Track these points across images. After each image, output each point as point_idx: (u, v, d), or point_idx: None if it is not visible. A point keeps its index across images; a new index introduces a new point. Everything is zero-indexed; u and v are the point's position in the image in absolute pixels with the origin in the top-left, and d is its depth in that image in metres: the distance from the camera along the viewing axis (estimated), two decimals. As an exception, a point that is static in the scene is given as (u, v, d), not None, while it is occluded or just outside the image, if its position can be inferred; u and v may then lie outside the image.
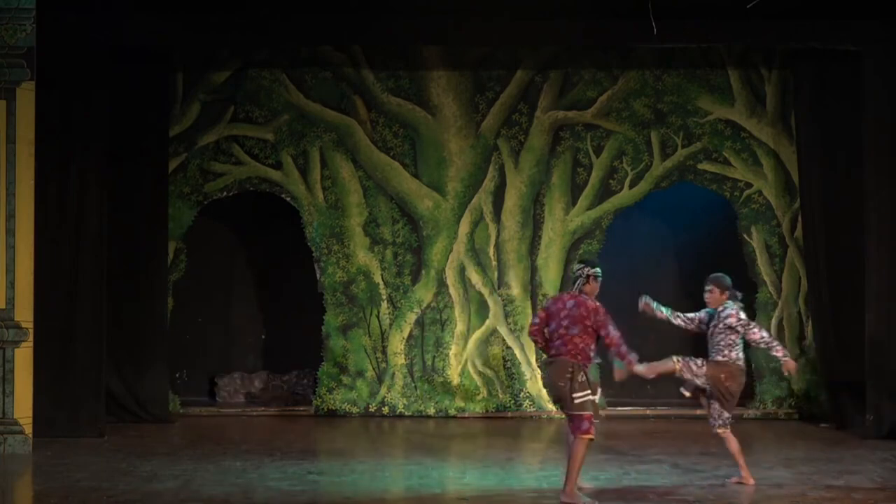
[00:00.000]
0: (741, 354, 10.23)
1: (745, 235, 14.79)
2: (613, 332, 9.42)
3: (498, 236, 14.86)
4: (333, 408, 14.69)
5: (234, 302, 15.89)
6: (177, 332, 14.80)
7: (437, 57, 14.77)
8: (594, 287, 9.60)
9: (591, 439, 9.33)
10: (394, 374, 14.70)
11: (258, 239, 15.75)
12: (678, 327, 10.37)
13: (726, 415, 10.24)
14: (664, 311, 10.39)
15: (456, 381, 14.69)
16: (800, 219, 14.44)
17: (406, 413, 14.62)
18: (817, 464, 11.21)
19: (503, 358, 14.75)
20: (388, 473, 10.77)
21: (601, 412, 10.30)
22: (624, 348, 9.46)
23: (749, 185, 14.76)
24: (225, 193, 14.96)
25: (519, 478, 10.55)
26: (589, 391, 9.34)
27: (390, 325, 14.77)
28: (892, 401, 12.83)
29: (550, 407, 14.63)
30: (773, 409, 14.61)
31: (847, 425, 13.41)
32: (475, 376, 14.71)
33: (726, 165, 14.77)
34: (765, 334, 10.25)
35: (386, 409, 14.64)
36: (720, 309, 10.24)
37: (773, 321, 14.72)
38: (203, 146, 14.82)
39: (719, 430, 10.22)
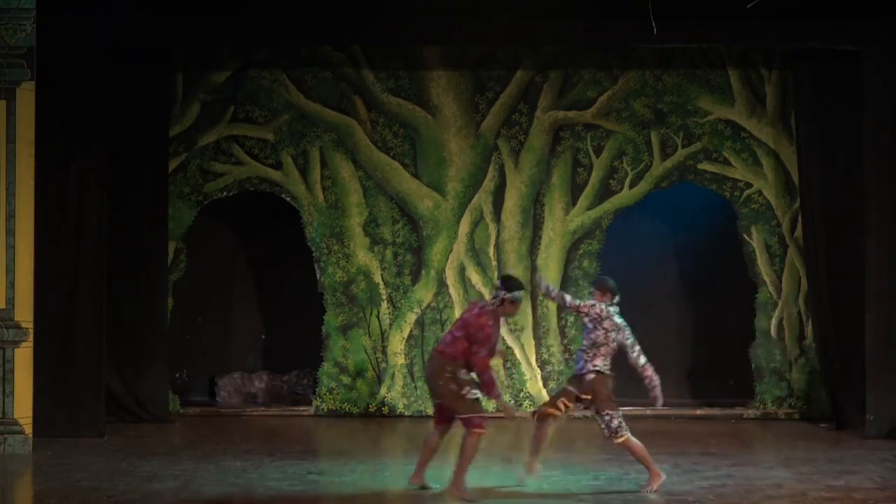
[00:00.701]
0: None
1: (745, 235, 14.79)
2: (484, 356, 9.41)
3: (498, 236, 14.86)
4: (333, 408, 14.69)
5: (234, 302, 15.88)
6: (177, 332, 14.80)
7: (437, 57, 14.77)
8: (509, 310, 9.65)
9: (482, 434, 9.48)
10: (394, 374, 14.70)
11: (258, 239, 15.75)
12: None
13: (616, 421, 9.91)
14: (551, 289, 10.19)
15: (456, 381, 14.67)
16: (800, 219, 14.44)
17: (406, 413, 14.62)
18: (817, 464, 11.21)
19: (503, 358, 14.74)
20: (388, 473, 10.76)
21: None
22: (487, 376, 9.43)
23: (749, 185, 14.76)
24: (225, 193, 14.96)
25: (519, 478, 10.54)
26: (477, 390, 9.47)
27: (390, 325, 14.77)
28: (893, 401, 12.83)
29: (550, 407, 14.62)
30: (773, 409, 14.61)
31: (847, 425, 13.41)
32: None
33: (726, 165, 14.78)
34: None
35: (386, 409, 14.64)
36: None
37: (773, 321, 14.72)
38: (203, 146, 14.83)
39: (620, 440, 9.90)
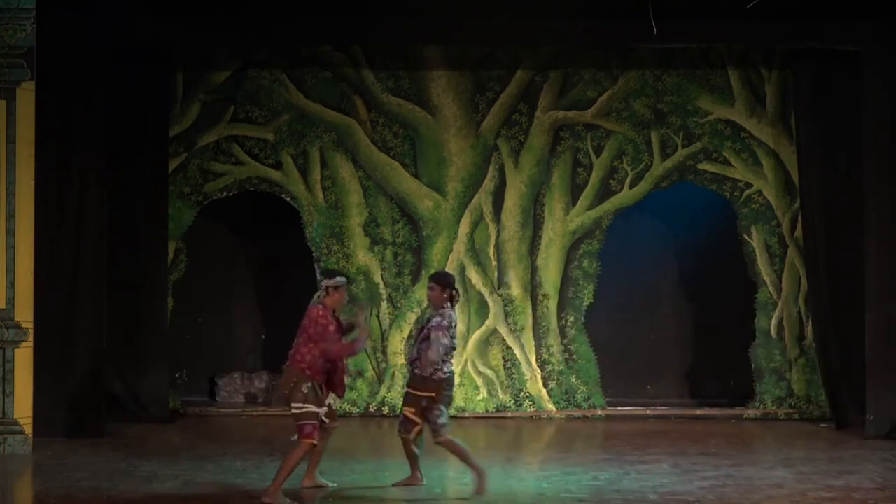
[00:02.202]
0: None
1: (745, 235, 14.79)
2: (326, 348, 9.53)
3: (498, 236, 14.86)
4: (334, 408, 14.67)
5: (234, 302, 15.87)
6: (177, 332, 14.79)
7: (437, 57, 14.77)
8: (336, 298, 9.71)
9: (313, 444, 9.64)
10: (394, 374, 14.69)
11: (258, 239, 15.74)
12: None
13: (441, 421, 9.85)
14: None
15: (456, 381, 14.65)
16: (800, 219, 14.43)
17: (406, 413, 14.59)
18: (817, 464, 11.22)
19: (503, 358, 14.75)
20: (389, 473, 10.76)
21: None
22: (335, 349, 9.56)
23: (749, 185, 14.76)
24: (225, 193, 14.96)
25: (519, 478, 10.55)
26: (309, 405, 9.57)
27: (390, 325, 14.77)
28: (893, 401, 12.83)
29: (551, 407, 14.65)
30: (773, 409, 14.61)
31: (847, 425, 13.41)
32: (475, 376, 14.71)
33: (726, 165, 14.77)
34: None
35: (386, 409, 14.64)
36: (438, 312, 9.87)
37: (773, 321, 14.72)
38: (203, 146, 14.82)
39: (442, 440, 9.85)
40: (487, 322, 14.77)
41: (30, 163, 11.90)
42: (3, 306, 11.82)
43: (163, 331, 14.17)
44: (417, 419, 9.88)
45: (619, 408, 14.76)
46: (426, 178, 14.83)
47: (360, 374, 14.72)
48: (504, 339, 14.74)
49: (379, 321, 14.77)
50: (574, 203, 14.83)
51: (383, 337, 14.75)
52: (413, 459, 10.09)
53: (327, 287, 9.69)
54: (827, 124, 13.81)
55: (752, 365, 14.69)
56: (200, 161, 14.84)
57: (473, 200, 14.83)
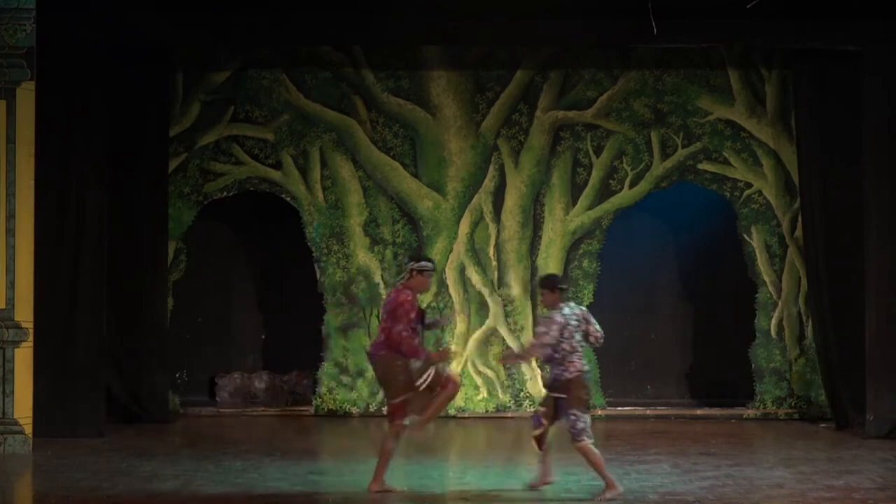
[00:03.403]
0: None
1: (745, 235, 14.79)
2: (397, 330, 9.38)
3: (498, 236, 14.86)
4: (333, 408, 14.69)
5: (234, 302, 15.88)
6: (177, 332, 14.80)
7: (437, 57, 14.77)
8: (421, 281, 9.60)
9: (402, 425, 9.50)
10: (394, 374, 14.67)
11: (258, 239, 15.74)
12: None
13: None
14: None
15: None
16: (800, 219, 14.43)
17: (406, 413, 14.59)
18: (817, 464, 11.22)
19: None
20: (389, 473, 10.75)
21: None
22: (405, 342, 9.38)
23: (749, 185, 14.76)
24: (225, 193, 14.96)
25: (519, 478, 10.54)
26: (428, 373, 9.38)
27: (390, 325, 14.75)
28: (893, 401, 12.83)
29: (550, 407, 14.63)
30: (773, 409, 14.61)
31: (847, 425, 13.41)
32: (475, 376, 14.71)
33: (726, 165, 14.77)
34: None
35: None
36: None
37: (773, 321, 14.72)
38: (203, 146, 14.82)
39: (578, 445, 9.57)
40: (487, 322, 14.77)
41: (30, 163, 11.90)
42: (3, 306, 11.81)
43: (163, 331, 14.18)
44: (544, 420, 9.67)
45: (619, 408, 14.76)
46: (426, 178, 14.83)
47: (361, 374, 14.72)
48: (504, 339, 14.74)
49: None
50: (574, 203, 14.84)
51: (383, 337, 14.73)
52: (544, 456, 9.84)
53: (412, 270, 9.57)
54: (827, 124, 13.81)
55: (752, 365, 14.69)
56: (200, 161, 14.84)
57: (473, 200, 14.83)
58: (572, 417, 9.46)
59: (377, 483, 9.62)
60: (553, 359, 9.49)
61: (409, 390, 9.45)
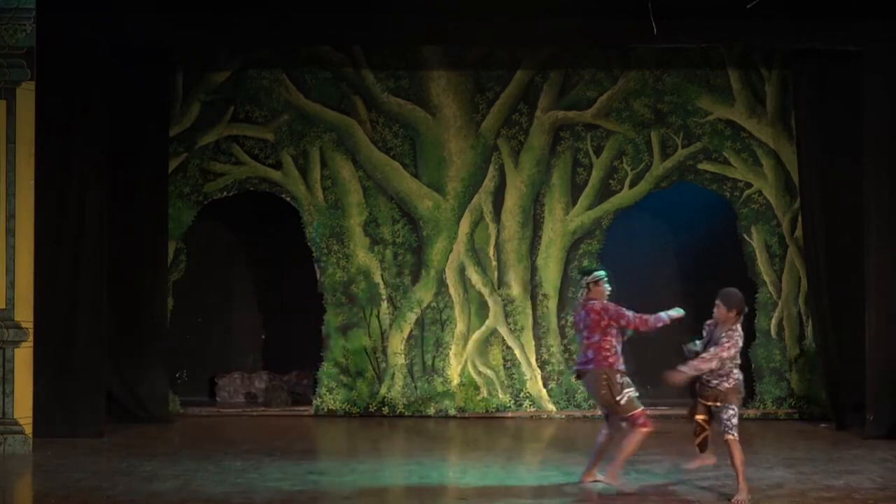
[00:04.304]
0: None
1: (745, 235, 14.80)
2: (631, 316, 9.83)
3: (498, 236, 14.86)
4: (333, 408, 14.70)
5: (234, 302, 15.89)
6: (177, 332, 14.80)
7: (437, 57, 14.77)
8: (599, 290, 10.01)
9: (649, 431, 9.86)
10: (394, 374, 14.70)
11: (258, 239, 15.75)
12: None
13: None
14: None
15: (456, 381, 14.70)
16: (800, 219, 14.44)
17: (406, 413, 14.62)
18: (817, 464, 11.22)
19: (503, 358, 14.75)
20: (388, 473, 10.77)
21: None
22: (651, 321, 9.88)
23: (749, 185, 14.76)
24: (225, 193, 14.96)
25: (519, 478, 10.55)
26: (629, 389, 9.84)
27: (390, 325, 14.77)
28: (893, 401, 12.84)
29: (551, 407, 14.65)
30: (773, 409, 14.61)
31: (847, 425, 13.40)
32: (475, 376, 14.71)
33: (726, 165, 14.78)
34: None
35: (386, 409, 14.64)
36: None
37: (773, 321, 14.72)
38: (203, 146, 14.83)
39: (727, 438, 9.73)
40: (487, 322, 14.77)
41: (30, 163, 11.90)
42: (3, 306, 11.82)
43: (163, 331, 14.18)
44: (706, 426, 9.87)
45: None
46: (426, 178, 14.83)
47: (361, 374, 14.72)
48: (504, 339, 14.75)
49: (379, 321, 14.77)
50: (574, 203, 14.84)
51: (383, 337, 14.76)
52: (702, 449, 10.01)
53: (588, 283, 9.99)
54: (827, 124, 13.80)
55: (752, 365, 14.69)
56: (200, 161, 14.84)
57: (473, 200, 14.83)
58: (730, 411, 9.65)
59: (613, 475, 9.87)
60: (715, 369, 9.70)
61: (611, 404, 9.87)
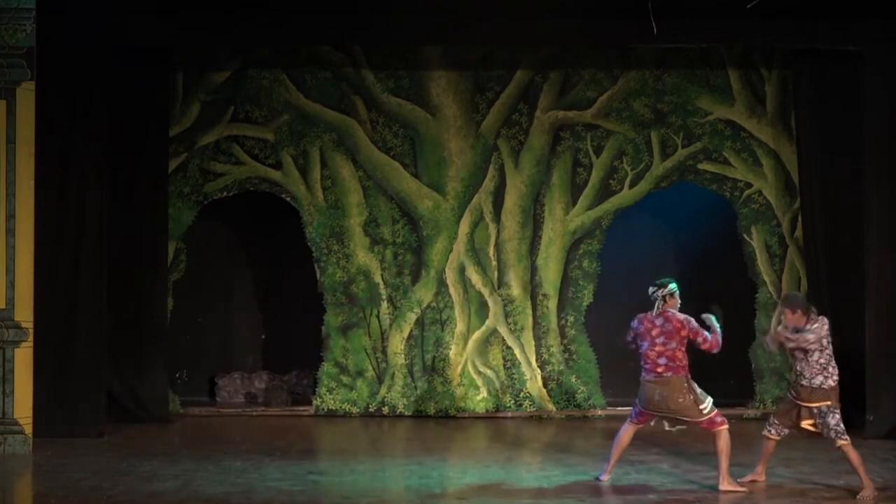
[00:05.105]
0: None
1: (745, 235, 14.80)
2: (708, 336, 10.20)
3: (498, 236, 14.86)
4: (333, 408, 14.70)
5: (234, 302, 15.89)
6: (177, 332, 14.80)
7: (437, 57, 14.78)
8: (674, 302, 10.35)
9: (727, 428, 10.05)
10: (394, 374, 14.70)
11: (258, 239, 15.76)
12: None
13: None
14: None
15: (456, 381, 14.70)
16: (800, 219, 14.44)
17: (406, 413, 14.62)
18: (817, 464, 11.22)
19: (503, 358, 14.75)
20: (388, 473, 10.77)
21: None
22: (719, 338, 10.22)
23: (749, 185, 14.77)
24: (225, 193, 14.96)
25: (519, 478, 10.55)
26: (707, 396, 10.14)
27: (390, 325, 14.77)
28: (893, 401, 12.83)
29: (551, 407, 14.65)
30: (773, 409, 14.58)
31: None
32: (475, 376, 14.72)
33: (726, 165, 14.78)
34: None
35: (386, 409, 14.64)
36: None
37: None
38: (203, 146, 14.83)
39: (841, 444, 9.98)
40: (487, 322, 14.78)
41: (30, 163, 11.90)
42: (3, 306, 11.82)
43: (163, 331, 14.18)
44: (811, 429, 10.15)
45: (619, 408, 14.74)
46: (426, 178, 14.84)
47: (361, 374, 14.73)
48: (504, 339, 14.75)
49: (379, 321, 14.77)
50: (574, 203, 14.84)
51: (383, 337, 14.76)
52: (765, 458, 10.35)
53: (664, 296, 10.26)
54: (827, 124, 13.81)
55: (752, 365, 14.70)
56: (200, 161, 14.84)
57: (473, 200, 14.83)
58: (836, 415, 9.93)
59: (726, 482, 10.00)
60: (811, 366, 10.02)
61: (689, 409, 10.06)
